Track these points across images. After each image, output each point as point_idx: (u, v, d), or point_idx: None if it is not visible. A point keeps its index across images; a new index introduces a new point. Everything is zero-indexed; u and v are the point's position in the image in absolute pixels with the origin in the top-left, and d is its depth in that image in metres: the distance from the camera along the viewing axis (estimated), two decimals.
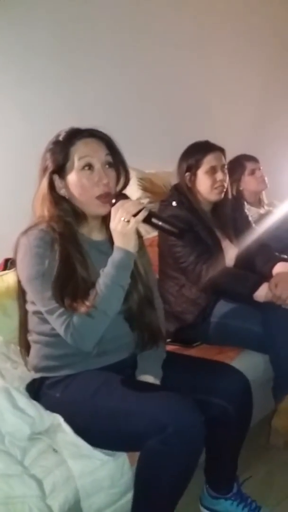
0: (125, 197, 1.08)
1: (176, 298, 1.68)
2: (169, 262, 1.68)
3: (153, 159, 2.22)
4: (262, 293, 1.48)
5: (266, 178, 2.23)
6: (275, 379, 1.44)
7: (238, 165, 2.19)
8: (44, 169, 1.12)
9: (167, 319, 1.65)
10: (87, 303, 1.00)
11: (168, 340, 1.67)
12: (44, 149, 1.13)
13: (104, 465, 1.06)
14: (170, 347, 1.58)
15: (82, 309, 1.00)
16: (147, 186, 2.13)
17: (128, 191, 2.13)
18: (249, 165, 2.18)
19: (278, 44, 3.05)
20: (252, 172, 2.18)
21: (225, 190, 1.65)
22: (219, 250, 1.66)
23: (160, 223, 1.05)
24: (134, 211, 1.01)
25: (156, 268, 1.79)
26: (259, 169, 2.21)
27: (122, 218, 1.01)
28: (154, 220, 1.04)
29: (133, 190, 2.11)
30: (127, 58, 2.25)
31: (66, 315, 1.02)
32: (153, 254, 1.80)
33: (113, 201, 1.05)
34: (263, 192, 2.28)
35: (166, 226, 1.06)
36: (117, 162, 1.14)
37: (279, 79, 3.08)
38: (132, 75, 2.27)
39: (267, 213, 2.11)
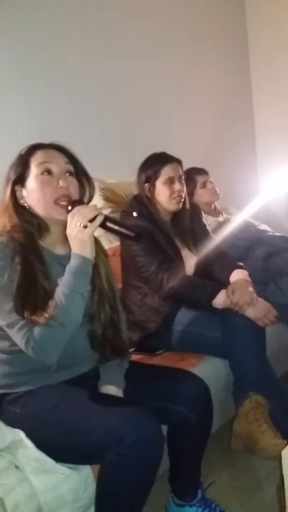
0: (82, 203, 1.08)
1: (139, 307, 1.69)
2: (131, 271, 1.70)
3: (114, 169, 2.24)
4: (220, 300, 1.52)
5: (217, 189, 2.29)
6: (235, 384, 1.47)
7: (189, 179, 2.21)
8: (7, 181, 1.11)
9: (131, 328, 1.66)
10: (46, 314, 0.99)
11: (132, 349, 1.68)
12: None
13: (67, 479, 1.05)
14: (133, 356, 1.59)
15: (42, 320, 0.98)
16: (109, 196, 2.14)
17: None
18: (200, 178, 2.22)
19: (235, 54, 3.17)
20: (204, 185, 2.23)
21: (183, 200, 1.70)
22: (179, 259, 1.69)
23: (116, 227, 1.06)
24: (90, 216, 1.01)
25: (119, 278, 1.81)
26: (210, 181, 2.26)
27: (78, 224, 1.01)
28: (109, 224, 1.05)
29: (95, 200, 2.10)
30: (87, 67, 2.26)
31: (27, 328, 1.00)
32: (116, 263, 1.82)
33: (69, 207, 1.05)
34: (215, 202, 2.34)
35: (123, 230, 1.07)
36: (79, 173, 1.14)
37: (236, 90, 3.20)
38: (93, 85, 2.28)
39: (226, 221, 2.17)
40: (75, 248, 1.03)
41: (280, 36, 3.03)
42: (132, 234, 1.08)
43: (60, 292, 1.02)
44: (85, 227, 1.01)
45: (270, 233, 2.25)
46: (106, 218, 1.04)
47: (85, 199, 1.15)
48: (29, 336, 1.00)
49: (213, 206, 2.30)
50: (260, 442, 1.30)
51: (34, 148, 1.12)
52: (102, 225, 1.03)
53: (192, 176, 2.24)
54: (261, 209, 2.50)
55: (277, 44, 3.06)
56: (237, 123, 3.18)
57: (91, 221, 1.01)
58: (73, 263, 1.03)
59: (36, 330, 1.00)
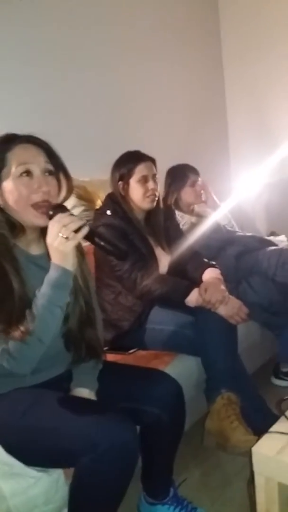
0: (64, 209, 1.01)
1: (113, 306, 1.69)
2: (105, 270, 1.69)
3: (87, 166, 2.21)
4: (193, 298, 1.54)
5: (203, 194, 2.32)
6: (207, 381, 1.48)
7: (181, 175, 2.25)
8: None
9: (104, 328, 1.64)
10: (22, 328, 0.93)
11: (105, 348, 1.67)
12: None
13: (38, 482, 1.03)
14: (107, 355, 1.58)
15: (17, 335, 0.93)
16: (82, 194, 2.11)
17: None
18: (191, 177, 2.25)
19: (208, 55, 3.19)
20: (193, 184, 2.25)
21: (156, 198, 1.70)
22: (153, 257, 1.69)
23: (102, 243, 1.00)
24: (74, 227, 0.94)
25: (93, 277, 1.79)
26: (199, 183, 2.28)
27: (61, 234, 0.93)
28: (96, 239, 0.99)
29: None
30: (62, 64, 2.23)
31: (1, 340, 0.96)
32: (89, 262, 1.80)
33: (51, 212, 0.98)
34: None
35: (107, 247, 1.01)
36: (58, 170, 1.07)
37: (210, 91, 3.22)
38: (67, 82, 2.25)
39: (198, 222, 2.19)
40: (56, 259, 0.96)
41: (253, 38, 3.08)
42: (117, 252, 1.02)
43: (39, 305, 0.96)
44: (67, 238, 0.94)
45: (241, 233, 2.29)
46: (91, 231, 0.98)
47: (62, 196, 1.09)
48: (3, 349, 0.96)
49: (191, 207, 2.32)
50: (231, 439, 1.31)
51: (10, 141, 1.04)
52: (87, 237, 0.97)
53: (186, 172, 2.25)
54: (234, 209, 2.54)
55: (250, 46, 3.10)
56: (211, 124, 3.21)
57: (75, 231, 0.94)
58: (53, 275, 0.96)
59: (11, 344, 0.95)
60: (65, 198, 1.10)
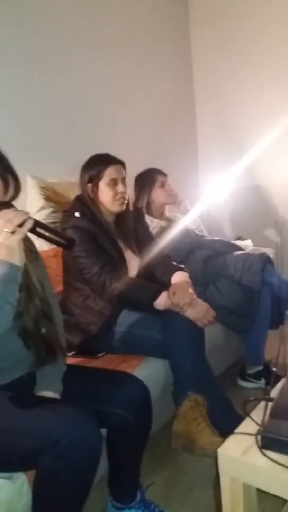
0: (9, 206, 1.02)
1: (81, 310, 1.67)
2: (73, 273, 1.67)
3: (56, 167, 2.19)
4: (161, 301, 1.54)
5: (174, 193, 2.35)
6: (174, 384, 1.49)
7: (149, 178, 2.28)
8: None
9: (72, 332, 1.63)
10: None
11: (72, 352, 1.65)
12: None
13: (0, 489, 1.00)
14: (74, 360, 1.56)
15: None
16: (50, 195, 2.08)
17: (30, 199, 2.07)
18: (159, 178, 2.28)
19: (178, 62, 3.24)
20: (162, 185, 2.28)
21: (126, 202, 1.70)
22: (122, 260, 1.69)
23: (47, 233, 1.01)
24: (18, 222, 0.96)
25: (61, 280, 1.76)
26: (168, 183, 2.31)
27: (5, 229, 0.95)
28: (40, 230, 1.00)
29: (35, 199, 2.05)
30: (32, 64, 2.19)
31: None
32: (57, 265, 1.78)
33: None
34: (166, 206, 2.39)
35: (53, 237, 1.02)
36: (4, 171, 1.07)
37: (179, 97, 3.27)
38: (35, 83, 2.21)
39: (167, 226, 2.21)
40: (3, 255, 0.96)
41: (222, 44, 3.15)
42: (63, 242, 1.03)
43: None
44: (13, 233, 0.95)
45: (209, 238, 2.32)
46: (36, 223, 0.99)
47: (9, 195, 1.09)
48: None
49: (161, 211, 2.34)
50: (198, 441, 1.32)
51: None
52: (32, 231, 0.98)
53: (153, 174, 2.28)
54: (202, 214, 2.58)
55: (220, 52, 3.17)
56: (180, 130, 3.25)
57: (19, 225, 0.96)
58: (0, 271, 0.96)
59: None
60: (13, 198, 1.10)
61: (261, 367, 2.02)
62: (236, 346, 2.04)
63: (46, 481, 0.94)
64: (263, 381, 2.01)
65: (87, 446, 0.93)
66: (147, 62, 2.91)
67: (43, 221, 1.83)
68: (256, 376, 2.03)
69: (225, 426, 1.28)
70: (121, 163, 1.69)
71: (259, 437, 0.90)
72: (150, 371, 1.53)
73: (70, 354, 1.62)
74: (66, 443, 0.90)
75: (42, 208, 2.02)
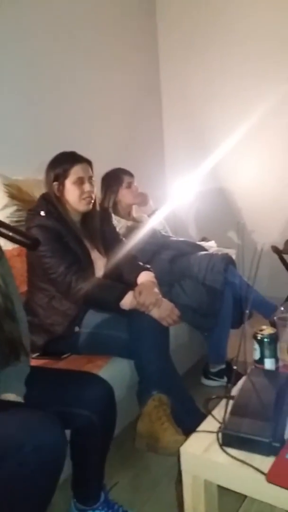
0: None
1: (46, 310, 1.64)
2: (38, 273, 1.64)
3: (21, 165, 2.14)
4: (127, 301, 1.54)
5: (146, 196, 2.36)
6: (139, 384, 1.50)
7: (116, 178, 2.28)
8: None
9: (36, 333, 1.61)
10: None
11: (36, 354, 1.62)
12: None
13: None
14: (38, 362, 1.54)
15: None
16: (15, 193, 2.03)
17: None
18: (126, 179, 2.28)
19: (146, 66, 3.25)
20: (129, 185, 2.28)
21: (93, 201, 1.69)
22: (89, 260, 1.68)
23: (10, 233, 0.99)
24: None
25: (25, 280, 1.73)
26: (135, 184, 2.31)
27: None
28: (2, 230, 0.98)
29: None
30: (1, 61, 2.14)
31: None
32: (22, 264, 1.74)
33: None
34: (133, 207, 2.40)
35: (17, 237, 1.00)
36: None
37: (146, 98, 3.28)
38: (4, 80, 2.16)
39: (134, 226, 2.22)
40: None
41: (189, 46, 3.18)
42: (28, 242, 1.01)
43: None
44: None
45: (174, 238, 2.35)
46: None
47: None
48: None
49: (128, 211, 2.34)
50: (161, 440, 1.34)
51: None
52: None
53: (119, 175, 2.28)
54: (168, 215, 2.60)
55: (187, 55, 3.21)
56: (147, 131, 3.26)
57: None
58: None
59: None
60: None
61: (223, 366, 2.07)
62: (200, 345, 2.07)
63: (8, 486, 0.92)
64: (225, 379, 2.06)
65: (52, 452, 0.92)
66: (115, 64, 2.90)
67: (7, 220, 1.81)
68: (219, 375, 2.08)
69: (189, 424, 1.30)
70: (87, 162, 1.68)
71: (219, 435, 0.92)
72: (115, 371, 1.53)
73: (34, 355, 1.60)
74: (29, 449, 0.88)
75: (5, 206, 1.97)
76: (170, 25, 3.23)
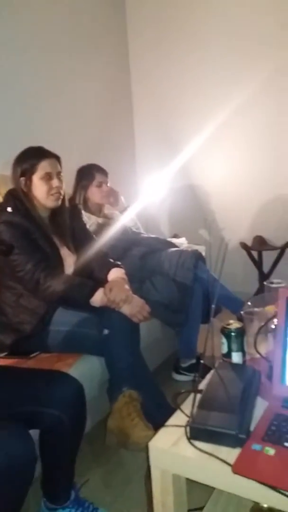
0: None
1: (14, 309, 1.61)
2: (5, 271, 1.60)
3: None
4: (98, 298, 1.54)
5: (118, 195, 2.34)
6: (110, 380, 1.50)
7: (88, 174, 2.26)
8: None
9: (4, 332, 1.57)
10: None
11: (4, 353, 1.59)
12: None
13: None
14: (6, 361, 1.51)
15: None
16: None
17: None
18: (98, 177, 2.26)
19: (117, 60, 3.23)
20: (99, 185, 2.26)
21: (61, 197, 1.66)
22: (58, 257, 1.65)
23: None
24: None
25: None
26: (107, 183, 2.30)
27: None
28: None
29: None
30: None
31: None
32: None
33: None
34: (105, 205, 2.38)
35: None
36: None
37: (117, 94, 3.26)
38: None
39: (105, 223, 2.21)
40: None
41: (159, 44, 3.19)
42: (2, 248, 0.99)
43: None
44: None
45: (145, 235, 2.36)
46: None
47: None
48: None
49: (99, 207, 2.32)
50: (132, 436, 1.34)
51: None
52: None
53: (92, 172, 2.26)
54: (139, 212, 2.61)
55: (156, 53, 3.20)
56: (118, 128, 3.24)
57: None
58: None
59: None
60: None
61: (194, 360, 2.09)
62: (170, 340, 2.09)
63: None
64: (196, 374, 2.08)
65: (23, 468, 0.91)
66: (84, 61, 2.87)
67: None
68: (190, 369, 2.11)
69: (159, 419, 1.30)
70: (56, 157, 1.65)
71: (187, 429, 0.93)
72: (85, 369, 1.52)
73: (2, 355, 1.57)
74: (1, 469, 0.87)
75: None
76: (140, 24, 3.22)
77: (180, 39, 3.09)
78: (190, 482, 0.95)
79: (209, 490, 1.12)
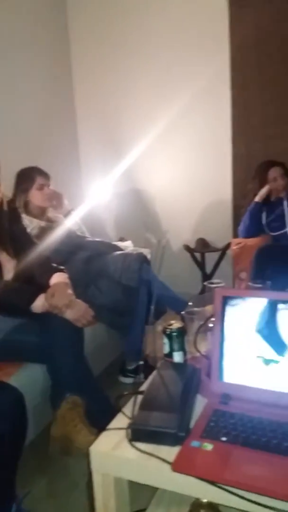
0: None
1: None
2: None
3: None
4: (39, 304, 1.50)
5: (62, 197, 2.29)
6: (52, 388, 1.46)
7: (28, 177, 2.21)
8: None
9: None
10: None
11: None
12: None
13: None
14: None
15: None
16: None
17: None
18: (39, 179, 2.21)
19: (57, 61, 3.19)
20: (41, 188, 2.22)
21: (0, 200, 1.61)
22: None
23: None
24: None
25: None
26: (48, 186, 2.25)
27: None
28: None
29: None
30: None
31: None
32: None
33: None
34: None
35: None
36: None
37: (61, 98, 3.22)
38: None
39: (48, 227, 2.17)
40: None
41: (102, 49, 3.19)
42: None
43: None
44: None
45: (90, 239, 2.34)
46: None
47: None
48: None
49: (42, 211, 2.27)
50: (75, 442, 1.32)
51: None
52: None
53: (33, 174, 2.22)
54: (86, 215, 2.59)
55: (99, 58, 3.20)
56: (61, 130, 3.20)
57: None
58: None
59: None
60: None
61: (140, 362, 2.10)
62: (116, 343, 2.09)
63: None
64: (142, 375, 2.09)
65: None
66: (25, 62, 2.81)
67: None
68: (136, 372, 2.11)
69: (104, 424, 1.30)
70: None
71: (129, 431, 0.93)
72: (27, 378, 1.48)
73: None
74: None
75: None
76: (81, 26, 3.21)
77: (123, 40, 3.11)
78: (136, 485, 0.95)
79: (152, 490, 1.13)
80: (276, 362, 0.99)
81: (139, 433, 0.93)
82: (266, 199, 2.65)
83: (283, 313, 0.99)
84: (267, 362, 1.00)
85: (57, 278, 1.64)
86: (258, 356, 1.01)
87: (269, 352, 1.00)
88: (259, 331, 1.01)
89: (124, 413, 1.02)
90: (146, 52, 3.06)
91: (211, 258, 3.04)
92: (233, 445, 0.88)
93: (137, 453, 0.90)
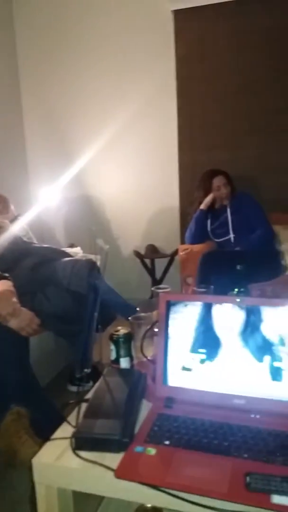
0: None
1: None
2: None
3: None
4: None
5: (7, 202, 2.23)
6: None
7: None
8: None
9: None
10: None
11: None
12: None
13: None
14: None
15: None
16: None
17: None
18: None
19: (4, 68, 3.11)
20: None
21: None
22: None
23: None
24: None
25: None
26: None
27: None
28: None
29: None
30: None
31: None
32: None
33: None
34: None
35: None
36: None
37: (7, 104, 3.15)
38: None
39: None
40: None
41: (51, 55, 3.16)
42: None
43: None
44: None
45: (37, 245, 2.30)
46: None
47: None
48: None
49: None
50: (20, 454, 1.28)
51: None
52: None
53: None
54: (34, 221, 2.53)
55: (48, 65, 3.17)
56: (7, 136, 3.13)
57: None
58: None
59: None
60: None
61: (86, 370, 2.08)
62: (65, 352, 2.06)
63: None
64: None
65: None
66: None
67: None
68: (85, 379, 2.08)
69: (51, 434, 1.28)
70: None
71: (72, 439, 0.92)
72: None
73: None
74: None
75: None
76: (29, 30, 3.16)
77: (72, 50, 3.10)
78: (82, 495, 0.93)
79: (98, 499, 1.11)
80: (211, 360, 1.02)
81: (82, 442, 0.91)
82: (211, 207, 2.73)
83: (217, 312, 1.02)
84: (202, 361, 1.03)
85: (1, 286, 1.59)
86: (193, 358, 1.03)
87: (206, 351, 1.02)
88: (196, 328, 1.04)
89: (68, 422, 1.01)
90: (95, 57, 3.07)
91: (160, 264, 3.09)
92: (176, 448, 0.89)
93: (81, 462, 0.89)
